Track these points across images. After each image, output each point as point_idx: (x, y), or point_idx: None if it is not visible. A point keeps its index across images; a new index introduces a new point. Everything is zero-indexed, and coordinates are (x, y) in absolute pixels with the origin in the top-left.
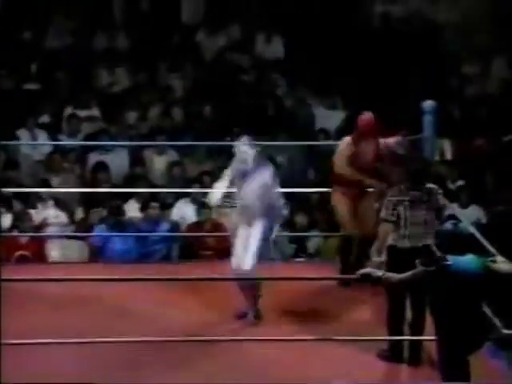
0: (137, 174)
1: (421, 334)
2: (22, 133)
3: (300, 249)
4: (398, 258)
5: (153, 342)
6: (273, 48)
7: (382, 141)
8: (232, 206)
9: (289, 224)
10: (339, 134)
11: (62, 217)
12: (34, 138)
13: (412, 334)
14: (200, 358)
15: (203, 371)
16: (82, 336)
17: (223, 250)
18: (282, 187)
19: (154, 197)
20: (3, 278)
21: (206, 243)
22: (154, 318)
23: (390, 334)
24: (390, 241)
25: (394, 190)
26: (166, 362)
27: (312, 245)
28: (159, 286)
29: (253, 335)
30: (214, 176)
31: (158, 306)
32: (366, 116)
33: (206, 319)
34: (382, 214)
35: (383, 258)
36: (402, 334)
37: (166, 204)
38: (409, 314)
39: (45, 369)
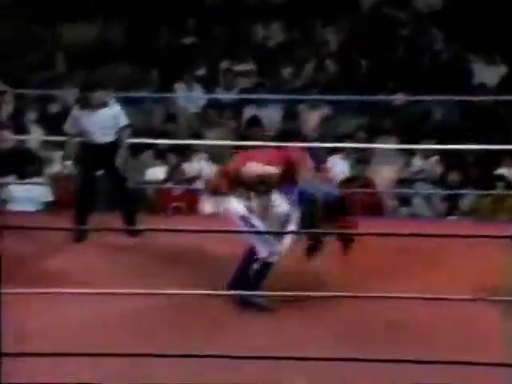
0: (289, 129)
1: None
2: (179, 86)
3: (453, 207)
4: None
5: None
6: (431, 1)
7: None
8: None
9: (442, 181)
10: (500, 88)
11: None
12: (191, 92)
13: None
14: (324, 313)
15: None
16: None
17: (374, 207)
18: (438, 143)
19: None
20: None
21: (358, 200)
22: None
23: None
24: None
25: None
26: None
27: (466, 203)
28: None
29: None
30: (368, 131)
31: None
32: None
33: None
34: None
35: None
36: None
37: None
38: None
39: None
